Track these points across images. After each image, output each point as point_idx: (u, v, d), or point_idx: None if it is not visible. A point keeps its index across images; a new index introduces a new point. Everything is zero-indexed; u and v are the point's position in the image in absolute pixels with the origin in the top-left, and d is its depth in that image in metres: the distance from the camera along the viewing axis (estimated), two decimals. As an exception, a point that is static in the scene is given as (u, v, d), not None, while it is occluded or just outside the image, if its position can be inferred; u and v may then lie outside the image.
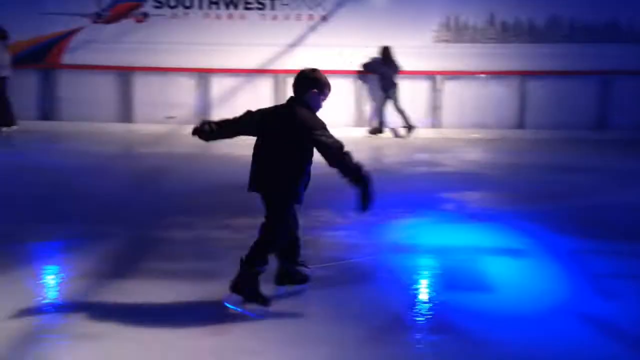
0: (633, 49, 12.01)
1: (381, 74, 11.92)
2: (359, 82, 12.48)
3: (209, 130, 4.26)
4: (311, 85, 4.30)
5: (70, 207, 6.77)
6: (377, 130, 12.03)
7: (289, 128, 4.19)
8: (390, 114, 11.99)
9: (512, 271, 4.98)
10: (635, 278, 4.81)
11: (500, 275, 4.83)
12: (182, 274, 4.84)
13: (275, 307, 4.21)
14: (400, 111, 11.88)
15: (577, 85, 12.17)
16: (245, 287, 4.21)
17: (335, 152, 4.12)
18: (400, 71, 11.88)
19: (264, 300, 4.21)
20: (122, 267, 4.95)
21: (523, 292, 4.56)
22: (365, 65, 12.19)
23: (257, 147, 4.33)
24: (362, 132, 12.04)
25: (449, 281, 4.73)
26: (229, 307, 4.20)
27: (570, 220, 6.39)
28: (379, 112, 12.13)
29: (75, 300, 4.31)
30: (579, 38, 12.20)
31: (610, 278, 4.80)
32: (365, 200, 4.18)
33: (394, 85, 11.86)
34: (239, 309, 4.18)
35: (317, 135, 4.12)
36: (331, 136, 4.15)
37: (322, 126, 4.19)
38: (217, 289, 4.50)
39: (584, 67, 11.95)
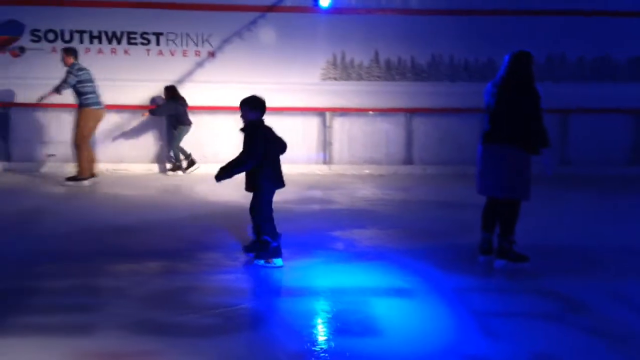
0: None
1: (173, 113, 11.85)
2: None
3: None
4: None
5: None
6: (177, 168, 12.00)
7: None
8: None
9: (400, 312, 4.96)
10: (518, 316, 4.89)
11: (388, 317, 4.80)
12: (56, 328, 4.48)
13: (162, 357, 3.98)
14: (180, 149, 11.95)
15: (459, 122, 12.63)
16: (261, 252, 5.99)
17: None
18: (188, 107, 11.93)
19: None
20: (-11, 323, 4.54)
21: (411, 334, 4.54)
22: (157, 109, 11.98)
23: None
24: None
25: (340, 325, 4.64)
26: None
27: (457, 257, 6.48)
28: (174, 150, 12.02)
29: None
30: (459, 76, 12.71)
31: (496, 317, 4.86)
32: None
33: (189, 123, 11.90)
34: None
35: None
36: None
37: None
38: (92, 345, 4.21)
39: (465, 105, 12.42)
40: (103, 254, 6.33)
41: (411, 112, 12.63)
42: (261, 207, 6.06)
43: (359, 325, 4.63)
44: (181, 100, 11.89)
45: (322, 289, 5.41)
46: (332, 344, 4.33)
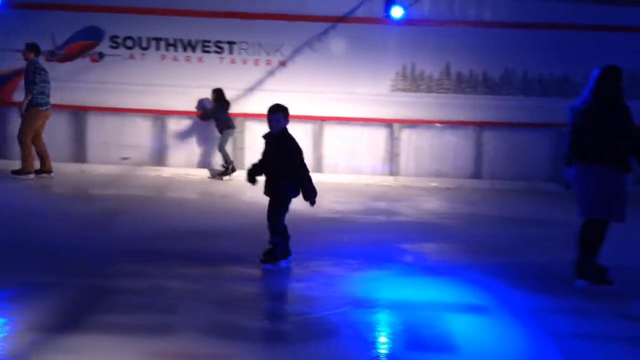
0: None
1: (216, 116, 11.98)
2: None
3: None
4: None
5: (15, 253, 6.43)
6: (226, 172, 12.08)
7: None
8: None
9: (474, 329, 4.90)
10: (599, 339, 4.76)
11: (462, 334, 4.74)
12: (133, 328, 4.60)
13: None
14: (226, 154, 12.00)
15: (530, 137, 12.40)
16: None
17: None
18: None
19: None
20: (70, 320, 4.68)
21: (487, 352, 4.47)
22: (205, 113, 12.16)
23: None
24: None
25: (412, 339, 4.61)
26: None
27: (528, 275, 6.37)
28: (222, 153, 12.10)
29: (19, 356, 4.03)
30: (533, 91, 12.48)
31: (575, 338, 4.75)
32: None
33: (230, 127, 11.96)
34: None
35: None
36: None
37: None
38: (169, 346, 4.31)
39: (538, 120, 12.20)
40: (176, 256, 6.46)
41: (481, 126, 12.48)
42: (280, 213, 6.14)
43: (433, 340, 4.59)
44: (226, 104, 12.01)
45: (394, 302, 5.38)
46: (408, 358, 4.30)
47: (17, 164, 11.02)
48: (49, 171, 10.95)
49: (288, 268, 6.20)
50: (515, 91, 12.51)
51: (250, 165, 6.24)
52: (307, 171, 6.18)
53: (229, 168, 12.02)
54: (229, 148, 12.11)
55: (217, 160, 12.37)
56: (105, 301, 5.14)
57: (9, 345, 4.22)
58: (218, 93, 11.99)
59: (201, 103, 12.37)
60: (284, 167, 6.05)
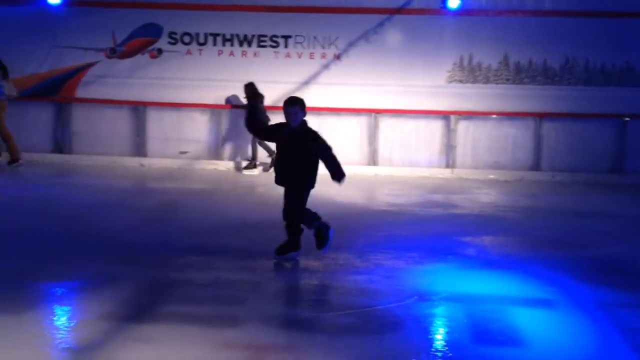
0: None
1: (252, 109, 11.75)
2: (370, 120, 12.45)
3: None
4: None
5: (83, 244, 6.64)
6: (251, 165, 12.10)
7: None
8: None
9: (541, 323, 4.81)
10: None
11: (529, 328, 4.67)
12: (199, 319, 4.68)
13: (299, 355, 4.06)
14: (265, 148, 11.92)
15: (594, 128, 12.11)
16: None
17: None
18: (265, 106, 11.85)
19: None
20: (138, 310, 4.80)
21: (555, 347, 4.39)
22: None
23: None
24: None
25: (478, 333, 4.56)
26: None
27: (594, 269, 6.23)
28: (253, 147, 12.12)
29: (90, 345, 4.15)
30: (595, 81, 12.17)
31: (645, 333, 4.63)
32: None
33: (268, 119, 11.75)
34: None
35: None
36: None
37: None
38: (237, 337, 4.37)
39: (600, 110, 11.89)
40: (236, 249, 6.55)
41: (541, 117, 12.22)
42: (302, 204, 6.04)
43: (500, 334, 4.53)
44: (260, 98, 11.94)
45: (457, 295, 5.33)
46: (474, 351, 4.26)
47: (76, 159, 11.33)
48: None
49: (348, 261, 6.21)
50: (576, 81, 12.19)
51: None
52: (333, 152, 6.06)
53: (250, 163, 12.12)
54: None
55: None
56: (171, 292, 5.25)
57: (81, 334, 4.35)
58: (251, 87, 11.89)
59: (229, 100, 12.42)
60: (308, 160, 5.98)
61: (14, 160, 11.54)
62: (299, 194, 6.03)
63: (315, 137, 6.01)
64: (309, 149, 5.96)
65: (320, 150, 5.96)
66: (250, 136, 11.85)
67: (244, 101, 12.03)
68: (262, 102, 11.97)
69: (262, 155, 12.12)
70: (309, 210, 6.09)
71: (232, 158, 12.59)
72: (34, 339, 4.25)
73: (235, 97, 12.34)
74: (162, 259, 6.19)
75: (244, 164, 12.28)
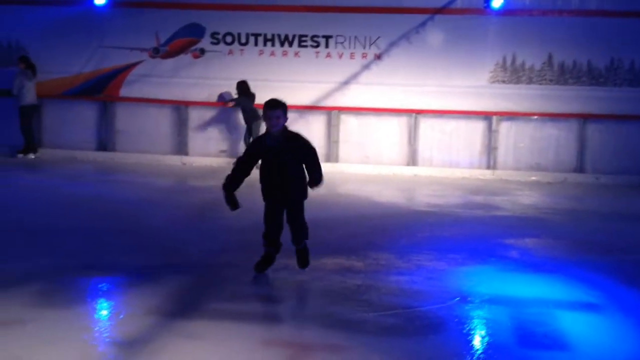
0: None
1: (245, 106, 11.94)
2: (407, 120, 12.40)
3: None
4: None
5: (128, 240, 6.76)
6: None
7: None
8: None
9: (587, 327, 4.74)
10: None
11: (575, 332, 4.61)
12: (244, 316, 4.73)
13: (343, 355, 4.08)
14: None
15: (638, 130, 11.88)
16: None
17: None
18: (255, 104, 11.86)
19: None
20: (184, 306, 4.87)
21: (602, 352, 4.33)
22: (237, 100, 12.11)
23: None
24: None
25: (523, 336, 4.52)
26: None
27: (639, 273, 6.12)
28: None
29: (137, 340, 4.22)
30: (640, 82, 11.96)
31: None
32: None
33: (257, 118, 11.82)
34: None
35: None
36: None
37: None
38: (281, 335, 4.40)
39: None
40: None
41: (585, 118, 12.03)
42: (302, 213, 5.61)
43: (545, 338, 4.48)
44: (251, 97, 11.97)
45: (501, 298, 5.29)
46: (519, 355, 4.22)
47: (119, 157, 11.52)
48: None
49: (389, 261, 6.20)
50: (621, 82, 11.98)
51: (225, 181, 5.63)
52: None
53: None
54: None
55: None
56: (215, 289, 5.31)
57: (128, 329, 4.43)
58: (242, 85, 11.95)
59: (221, 97, 12.51)
60: (300, 166, 5.48)
61: (26, 151, 12.23)
62: (302, 206, 5.61)
63: (304, 141, 5.51)
64: (300, 154, 5.46)
65: (310, 154, 5.47)
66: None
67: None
68: (252, 101, 11.94)
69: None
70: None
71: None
72: (82, 332, 4.34)
73: (226, 94, 12.44)
74: (207, 255, 6.28)
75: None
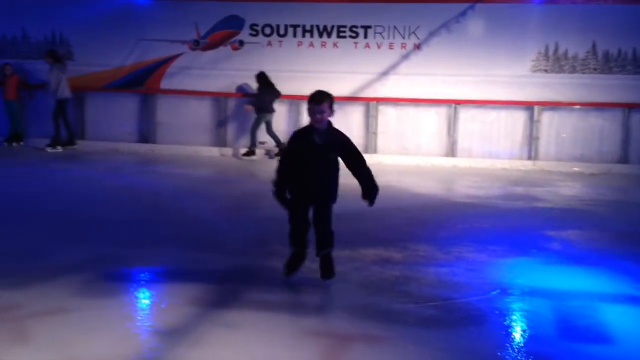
0: None
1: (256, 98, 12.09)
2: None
3: None
4: None
5: (169, 231, 6.86)
6: (250, 153, 12.26)
7: None
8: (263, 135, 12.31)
9: (632, 321, 4.66)
10: None
11: (619, 325, 4.53)
12: (284, 306, 4.77)
13: (382, 346, 4.07)
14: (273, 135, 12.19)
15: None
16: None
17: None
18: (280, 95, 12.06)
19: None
20: (224, 296, 4.93)
21: (648, 345, 4.25)
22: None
23: None
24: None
25: (566, 329, 4.46)
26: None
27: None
28: (251, 134, 12.31)
29: (178, 329, 4.28)
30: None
31: None
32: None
33: (271, 110, 12.02)
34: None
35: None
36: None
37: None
38: (321, 325, 4.42)
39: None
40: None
41: (630, 107, 11.75)
42: (331, 216, 5.25)
43: (589, 331, 4.41)
44: (271, 87, 12.03)
45: (543, 290, 5.22)
46: (563, 347, 4.16)
47: (160, 149, 11.66)
48: None
49: (429, 252, 6.17)
50: (668, 70, 11.68)
51: (274, 187, 5.22)
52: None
53: (250, 149, 12.29)
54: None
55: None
56: (255, 279, 5.35)
57: (169, 317, 4.50)
58: (262, 77, 12.08)
59: (241, 88, 12.66)
60: (336, 167, 5.15)
61: (54, 144, 12.43)
62: (330, 210, 5.24)
63: (349, 140, 5.14)
64: (343, 155, 5.10)
65: (357, 156, 5.14)
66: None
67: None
68: (272, 92, 12.07)
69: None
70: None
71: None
72: (124, 321, 4.43)
73: (245, 86, 12.62)
74: (246, 246, 6.33)
75: (243, 150, 12.48)
